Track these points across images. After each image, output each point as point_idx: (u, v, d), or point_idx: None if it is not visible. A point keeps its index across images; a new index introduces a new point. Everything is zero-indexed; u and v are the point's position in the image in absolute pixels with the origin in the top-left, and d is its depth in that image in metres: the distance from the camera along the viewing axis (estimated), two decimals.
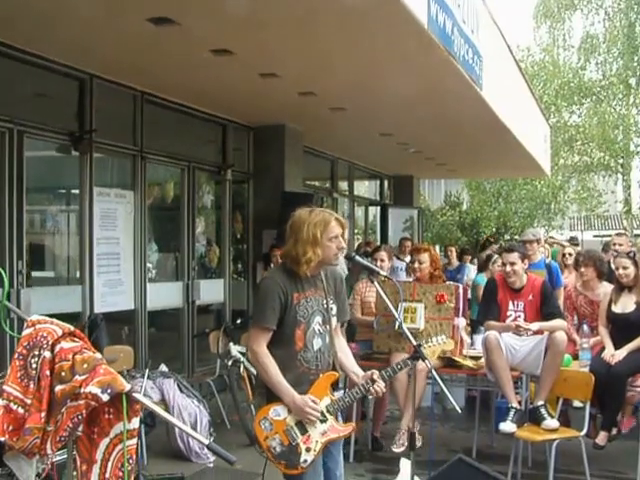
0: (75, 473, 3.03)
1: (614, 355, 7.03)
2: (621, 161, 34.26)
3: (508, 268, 7.06)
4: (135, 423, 2.93)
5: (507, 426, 6.63)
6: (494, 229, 25.58)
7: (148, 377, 7.31)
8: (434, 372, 4.56)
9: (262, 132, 12.09)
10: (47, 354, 2.94)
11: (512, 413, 6.70)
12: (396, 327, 6.76)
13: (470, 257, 14.55)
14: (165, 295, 10.21)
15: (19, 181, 7.61)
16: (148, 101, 9.59)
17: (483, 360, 7.03)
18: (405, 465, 6.41)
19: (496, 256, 10.63)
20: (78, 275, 8.76)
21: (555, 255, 11.26)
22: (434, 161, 16.92)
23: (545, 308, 7.01)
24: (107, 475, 2.93)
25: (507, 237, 25.50)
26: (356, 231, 18.50)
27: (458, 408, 4.89)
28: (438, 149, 15.29)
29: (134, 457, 2.94)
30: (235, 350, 8.58)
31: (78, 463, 3.00)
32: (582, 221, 40.41)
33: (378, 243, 16.10)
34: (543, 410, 6.71)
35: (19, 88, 7.85)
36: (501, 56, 11.88)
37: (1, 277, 3.19)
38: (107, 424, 2.93)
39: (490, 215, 26.10)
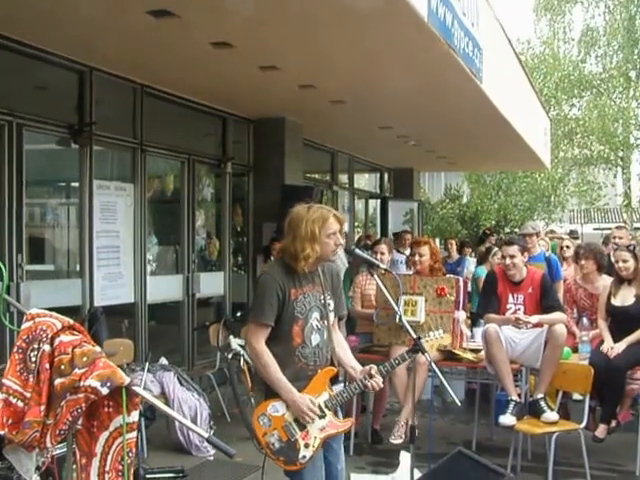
0: (75, 466, 3.04)
1: (613, 348, 7.03)
2: (621, 154, 34.25)
3: (508, 261, 7.06)
4: (135, 416, 2.93)
5: (507, 419, 6.63)
6: (494, 222, 25.58)
7: (148, 370, 7.31)
8: (434, 365, 4.56)
9: (262, 125, 12.08)
10: (46, 347, 2.94)
11: (512, 406, 6.70)
12: (396, 320, 6.76)
13: (470, 250, 14.54)
14: (165, 288, 10.21)
15: (19, 174, 7.60)
16: (148, 94, 9.57)
17: (483, 353, 7.03)
18: (405, 458, 6.42)
19: (496, 248, 10.64)
20: (78, 268, 8.76)
21: (555, 248, 11.26)
22: (434, 154, 16.91)
23: (545, 301, 7.00)
24: (107, 468, 2.94)
25: (507, 230, 25.52)
26: (356, 224, 18.49)
27: (458, 401, 4.89)
28: (438, 142, 15.29)
29: (134, 450, 2.95)
30: (235, 343, 8.57)
31: (78, 456, 3.01)
32: (582, 214, 40.44)
33: (378, 236, 16.10)
34: (543, 403, 6.71)
35: (19, 81, 7.84)
36: (501, 49, 11.87)
37: (0, 271, 3.18)
38: (107, 417, 2.93)
39: (490, 208, 26.12)
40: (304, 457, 4.32)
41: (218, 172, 11.55)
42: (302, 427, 4.34)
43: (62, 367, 2.90)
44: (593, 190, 34.33)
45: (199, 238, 11.22)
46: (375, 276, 4.92)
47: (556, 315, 6.90)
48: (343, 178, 17.12)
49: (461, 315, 7.34)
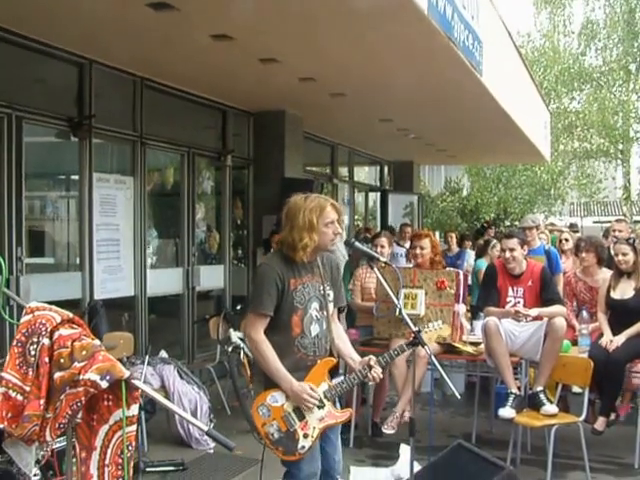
0: (75, 460, 3.04)
1: (612, 341, 7.03)
2: (621, 147, 34.24)
3: (507, 254, 7.06)
4: (134, 410, 2.93)
5: (506, 412, 6.64)
6: (492, 215, 25.60)
7: (148, 363, 7.32)
8: (433, 358, 4.56)
9: (262, 118, 12.08)
10: (46, 341, 2.94)
11: (511, 399, 6.71)
12: (396, 313, 6.76)
13: (470, 243, 14.55)
14: (165, 281, 10.21)
15: (18, 167, 7.59)
16: (148, 87, 9.56)
17: (483, 346, 7.03)
18: (405, 451, 6.44)
19: (494, 241, 10.64)
20: (78, 261, 8.75)
21: (555, 241, 11.26)
22: (434, 147, 16.90)
23: (544, 294, 7.01)
24: (106, 462, 2.94)
25: (507, 223, 25.53)
26: (356, 217, 18.50)
27: (457, 394, 4.89)
28: (438, 135, 15.28)
29: (133, 444, 2.95)
30: (235, 336, 8.56)
31: (77, 450, 3.01)
32: (582, 207, 40.46)
33: (378, 229, 16.11)
34: (542, 396, 6.71)
35: (18, 73, 7.82)
36: (501, 42, 11.86)
37: (0, 264, 3.18)
38: (106, 411, 2.94)
39: (490, 201, 26.12)
40: (303, 447, 4.33)
41: (218, 165, 11.55)
42: (301, 417, 4.35)
43: (62, 361, 2.90)
44: (593, 183, 34.35)
45: (199, 231, 11.22)
46: (375, 269, 4.92)
47: (556, 308, 6.91)
48: (343, 171, 17.11)
49: (461, 308, 7.34)
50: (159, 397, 3.09)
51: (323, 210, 4.38)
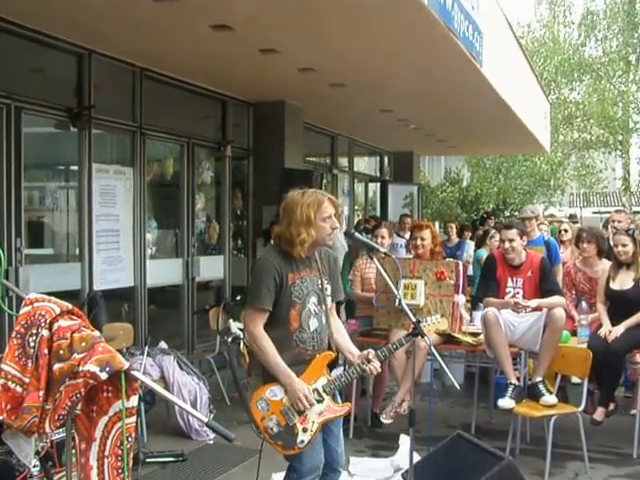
0: (74, 451, 3.04)
1: (612, 332, 7.04)
2: (620, 138, 34.23)
3: (507, 245, 7.06)
4: (134, 401, 2.94)
5: (506, 402, 6.65)
6: (492, 206, 25.60)
7: (148, 354, 7.32)
8: (433, 349, 4.56)
9: (262, 108, 12.06)
10: (45, 332, 2.94)
11: (511, 389, 6.72)
12: (396, 304, 6.76)
13: (470, 234, 14.55)
14: (165, 272, 10.21)
15: (17, 157, 7.58)
16: (147, 77, 9.54)
17: (482, 336, 7.03)
18: (404, 441, 6.46)
19: (493, 231, 10.64)
20: (77, 252, 8.74)
21: (554, 232, 11.27)
22: (434, 137, 16.89)
23: (544, 285, 7.01)
24: (106, 453, 2.94)
25: (507, 214, 25.54)
26: (356, 207, 18.49)
27: (457, 384, 4.89)
28: (438, 126, 15.27)
29: (133, 435, 2.95)
30: (235, 327, 8.58)
31: (77, 441, 3.01)
32: (581, 198, 40.47)
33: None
34: (541, 386, 6.73)
35: (17, 63, 7.80)
36: (501, 32, 11.84)
37: None
38: (106, 402, 2.94)
39: (490, 192, 26.12)
40: (302, 442, 4.33)
41: (218, 155, 11.53)
42: (300, 412, 4.35)
43: (61, 352, 2.90)
44: (592, 174, 34.37)
45: (199, 222, 11.21)
46: (375, 260, 4.92)
47: (555, 299, 6.91)
48: (343, 161, 17.09)
49: (460, 299, 7.34)
50: (159, 388, 3.10)
51: (320, 205, 4.38)
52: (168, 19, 7.33)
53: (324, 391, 4.41)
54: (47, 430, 2.93)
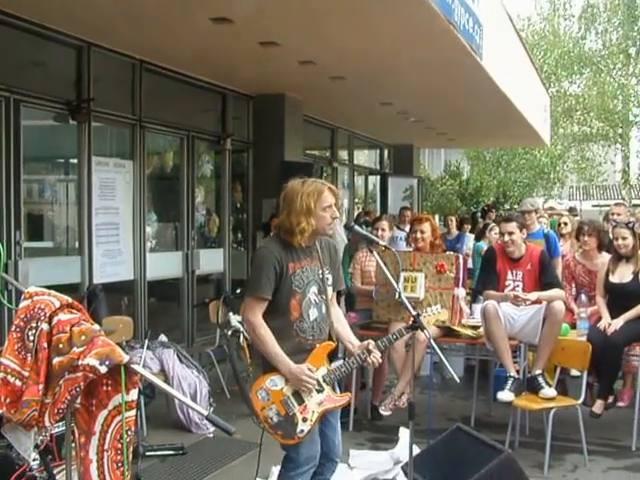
0: (74, 445, 3.05)
1: (611, 324, 7.04)
2: (620, 131, 34.23)
3: (506, 238, 7.07)
4: (133, 395, 2.93)
5: (505, 395, 6.66)
6: (492, 199, 25.61)
7: (147, 348, 7.31)
8: (432, 342, 4.56)
9: (262, 101, 12.04)
10: (45, 326, 2.93)
11: (510, 382, 6.73)
12: (396, 297, 6.76)
13: (470, 227, 14.56)
14: (165, 265, 10.21)
15: (16, 150, 7.57)
16: (147, 70, 9.53)
17: (482, 329, 7.04)
18: (404, 434, 6.46)
19: (493, 224, 10.64)
20: (77, 245, 8.74)
21: (554, 225, 11.27)
22: (434, 130, 16.89)
23: (543, 278, 7.02)
24: (106, 447, 2.94)
25: (507, 206, 25.55)
26: (356, 200, 18.50)
27: (457, 377, 4.90)
28: (438, 118, 15.26)
29: (133, 429, 2.95)
30: (235, 320, 8.56)
31: (76, 435, 3.01)
32: (581, 191, 40.47)
33: (378, 213, 16.12)
34: (541, 379, 6.73)
35: (15, 56, 7.79)
36: (502, 25, 11.83)
37: None
38: (105, 396, 2.93)
39: (490, 184, 26.13)
40: (302, 431, 4.34)
41: (218, 148, 11.53)
42: (300, 401, 4.36)
43: (60, 346, 2.90)
44: (592, 167, 34.38)
45: (199, 215, 11.21)
46: (374, 253, 4.92)
47: (554, 292, 6.92)
48: (343, 154, 17.09)
49: (460, 292, 7.34)
50: (158, 381, 3.09)
51: (321, 194, 4.38)
52: (168, 12, 7.32)
53: (324, 381, 4.42)
54: (47, 424, 2.93)
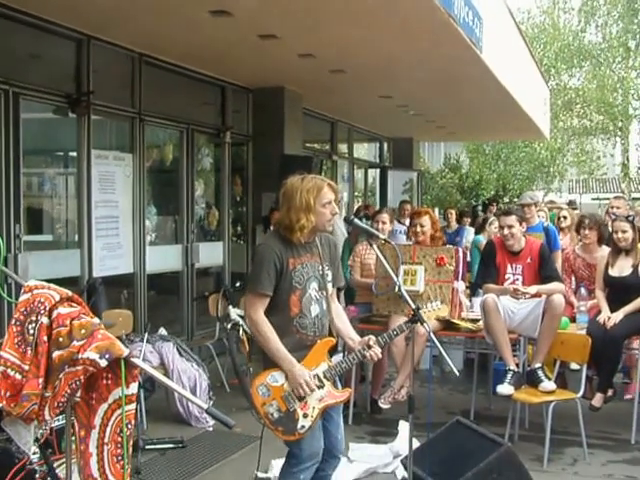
0: (73, 438, 3.05)
1: (610, 318, 7.03)
2: (620, 124, 34.22)
3: (506, 231, 7.06)
4: (133, 388, 2.93)
5: (505, 388, 6.66)
6: (492, 192, 25.61)
7: (147, 341, 7.32)
8: (432, 335, 4.57)
9: (261, 94, 12.03)
10: (44, 320, 2.93)
11: (510, 375, 6.73)
12: (396, 290, 6.75)
13: (469, 220, 14.56)
14: (164, 258, 10.21)
15: (15, 143, 7.56)
16: (146, 63, 9.51)
17: (481, 323, 7.04)
18: (404, 427, 6.46)
19: (492, 217, 10.64)
20: (76, 239, 8.74)
21: (554, 218, 11.27)
22: (434, 124, 16.88)
23: (543, 271, 7.02)
24: (106, 440, 2.94)
25: (506, 200, 25.55)
26: (356, 194, 18.49)
27: (456, 371, 4.89)
28: (438, 112, 15.24)
29: (133, 422, 2.95)
30: (234, 313, 8.56)
31: (76, 428, 3.01)
32: (581, 184, 40.48)
33: (377, 206, 16.12)
34: (540, 372, 6.74)
35: (15, 49, 7.78)
36: (501, 18, 11.82)
37: None
38: (105, 390, 2.93)
39: (489, 178, 26.12)
40: (303, 427, 4.34)
41: (217, 142, 11.53)
42: (301, 397, 4.35)
43: (60, 339, 2.89)
44: (592, 160, 34.39)
45: (198, 208, 11.21)
46: (374, 246, 4.92)
47: (554, 285, 6.91)
48: (342, 148, 17.08)
49: (460, 285, 7.34)
50: (158, 375, 3.09)
51: (320, 191, 4.38)
52: (167, 5, 7.30)
53: (325, 377, 4.41)
54: (46, 417, 2.93)
